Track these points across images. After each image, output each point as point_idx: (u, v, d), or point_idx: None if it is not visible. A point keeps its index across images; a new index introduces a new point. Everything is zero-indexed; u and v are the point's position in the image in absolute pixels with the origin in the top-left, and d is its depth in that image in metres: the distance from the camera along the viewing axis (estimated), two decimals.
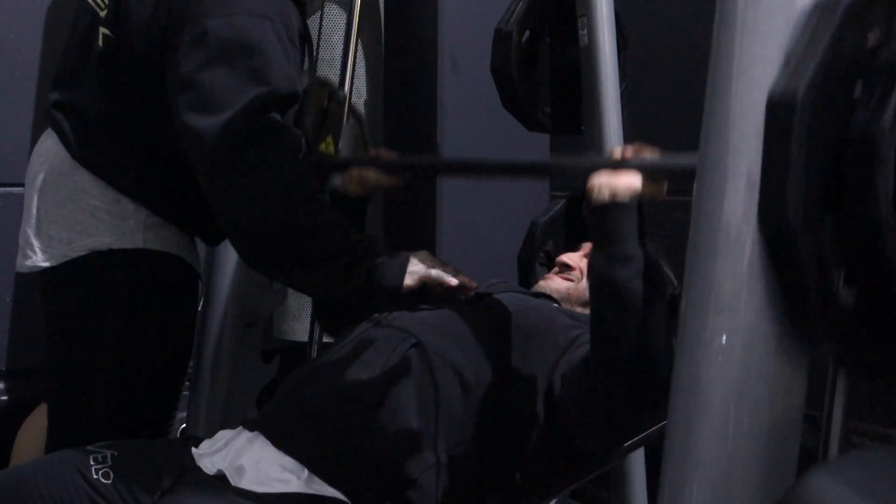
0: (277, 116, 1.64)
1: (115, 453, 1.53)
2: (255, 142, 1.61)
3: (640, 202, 1.45)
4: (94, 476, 1.50)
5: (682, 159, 1.40)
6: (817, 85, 0.94)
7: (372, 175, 1.83)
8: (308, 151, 1.89)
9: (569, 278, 1.79)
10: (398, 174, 1.85)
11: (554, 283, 1.80)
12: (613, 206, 1.43)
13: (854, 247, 0.96)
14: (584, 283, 1.77)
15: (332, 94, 2.12)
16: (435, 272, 1.71)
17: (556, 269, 1.83)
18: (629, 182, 1.44)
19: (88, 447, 1.55)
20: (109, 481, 1.49)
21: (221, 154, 1.61)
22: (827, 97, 0.95)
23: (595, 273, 1.45)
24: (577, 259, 1.82)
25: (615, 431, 1.54)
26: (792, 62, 0.96)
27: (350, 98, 2.16)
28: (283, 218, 1.64)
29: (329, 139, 2.07)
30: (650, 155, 1.49)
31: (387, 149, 1.92)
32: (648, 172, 1.45)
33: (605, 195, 1.44)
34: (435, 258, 1.76)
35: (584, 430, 1.51)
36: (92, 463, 1.51)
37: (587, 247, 1.83)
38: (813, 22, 0.97)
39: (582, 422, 1.50)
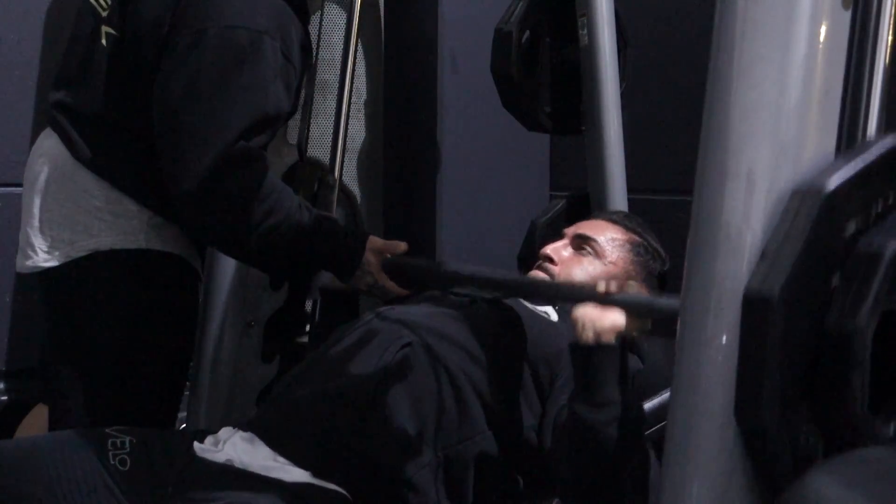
0: (255, 140, 1.65)
1: (134, 440, 1.54)
2: (228, 170, 1.62)
3: (623, 339, 1.44)
4: (112, 461, 1.51)
5: (666, 301, 1.40)
6: (795, 279, 0.93)
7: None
8: (300, 159, 1.91)
9: (550, 272, 1.79)
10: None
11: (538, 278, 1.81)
12: (597, 350, 1.42)
13: (831, 441, 0.96)
14: (565, 277, 1.77)
15: (321, 180, 2.15)
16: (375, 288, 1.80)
17: (538, 261, 1.83)
18: (613, 321, 1.43)
19: (108, 429, 1.56)
20: (125, 468, 1.50)
21: (194, 178, 1.62)
22: (804, 292, 0.95)
23: (573, 412, 1.44)
24: (560, 249, 1.81)
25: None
26: (769, 257, 0.95)
27: (341, 179, 2.17)
28: (262, 238, 1.67)
29: None
30: (635, 290, 1.49)
31: (375, 237, 1.91)
32: (631, 310, 1.44)
33: (589, 336, 1.43)
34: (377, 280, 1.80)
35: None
36: (110, 448, 1.52)
37: (570, 233, 1.83)
38: (792, 210, 0.96)
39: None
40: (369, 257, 1.79)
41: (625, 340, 1.43)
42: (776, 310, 0.93)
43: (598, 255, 1.78)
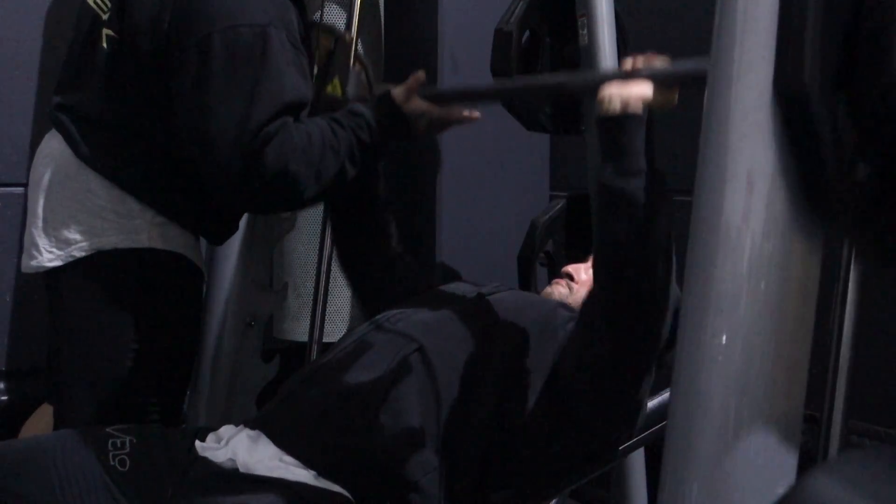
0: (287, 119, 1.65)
1: (134, 440, 1.54)
2: (265, 151, 1.62)
3: (650, 112, 1.44)
4: (111, 462, 1.50)
5: (691, 65, 1.39)
6: None
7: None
8: (316, 97, 1.92)
9: (568, 287, 1.80)
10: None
11: (558, 289, 1.81)
12: (625, 118, 1.43)
13: (870, 117, 0.93)
14: (582, 297, 1.76)
15: (338, 38, 2.13)
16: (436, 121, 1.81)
17: (560, 278, 1.83)
18: (641, 91, 1.44)
19: (109, 428, 1.56)
20: (125, 469, 1.50)
21: (236, 171, 1.63)
22: None
23: (604, 184, 1.44)
24: (583, 270, 1.81)
25: (620, 386, 1.52)
26: None
27: (356, 44, 2.16)
28: (324, 180, 1.69)
29: (336, 81, 2.08)
30: (660, 63, 1.48)
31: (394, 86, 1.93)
32: (659, 81, 1.44)
33: (616, 106, 1.44)
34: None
35: (592, 397, 1.50)
36: (110, 448, 1.52)
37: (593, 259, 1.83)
38: None
39: (590, 387, 1.49)
40: (408, 106, 1.78)
41: (651, 115, 1.43)
42: None
43: None
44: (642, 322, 1.43)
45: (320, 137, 1.69)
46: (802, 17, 0.92)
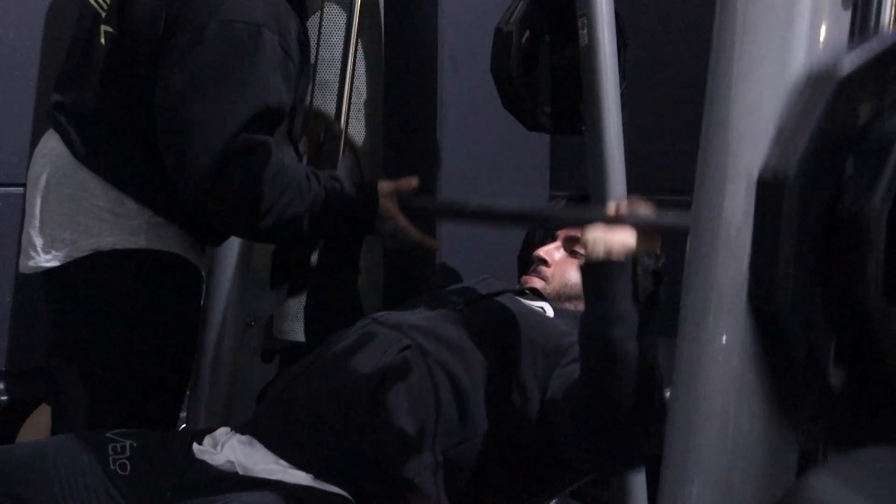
0: (256, 132, 1.65)
1: (134, 444, 1.54)
2: (241, 158, 1.63)
3: (634, 258, 1.44)
4: (112, 466, 1.51)
5: (676, 218, 1.40)
6: (808, 162, 0.92)
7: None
8: (295, 153, 1.92)
9: (543, 276, 1.80)
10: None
11: (532, 283, 1.81)
12: (608, 265, 1.42)
13: (843, 328, 0.95)
14: (556, 281, 1.77)
15: (328, 128, 2.15)
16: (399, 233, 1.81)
17: (533, 265, 1.83)
18: (624, 239, 1.43)
19: (108, 433, 1.56)
20: (126, 473, 1.50)
21: (200, 173, 1.63)
22: (818, 175, 0.94)
23: (588, 330, 1.43)
24: (553, 251, 1.82)
25: (605, 462, 1.53)
26: (783, 138, 0.95)
27: (346, 131, 2.17)
28: (278, 216, 1.68)
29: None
30: (645, 210, 1.49)
31: (385, 181, 1.92)
32: (642, 229, 1.45)
33: (599, 252, 1.43)
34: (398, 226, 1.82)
35: (576, 457, 1.51)
36: (110, 452, 1.52)
37: (562, 234, 1.84)
38: (805, 95, 0.95)
39: (575, 453, 1.50)
40: (385, 203, 1.79)
41: (636, 260, 1.43)
42: (790, 192, 0.92)
43: None
44: (628, 447, 1.43)
45: (294, 175, 1.69)
46: (775, 238, 0.93)
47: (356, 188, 1.79)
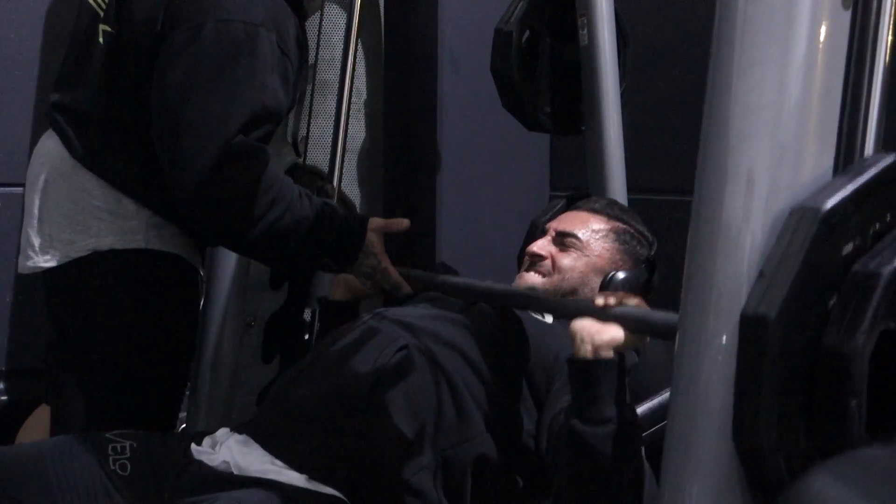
0: (256, 135, 1.64)
1: (134, 444, 1.54)
2: (228, 165, 1.61)
3: (621, 354, 1.42)
4: (112, 467, 1.51)
5: (664, 315, 1.37)
6: (791, 299, 0.93)
7: (357, 282, 1.84)
8: (295, 153, 1.91)
9: (540, 271, 1.77)
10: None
11: (529, 280, 1.77)
12: (595, 364, 1.39)
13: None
14: (556, 276, 1.75)
15: (320, 188, 2.15)
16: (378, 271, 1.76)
17: (526, 261, 1.81)
18: (612, 336, 1.40)
19: (108, 434, 1.56)
20: (125, 473, 1.50)
21: (195, 172, 1.61)
22: (801, 311, 0.94)
23: (569, 426, 1.42)
24: (546, 246, 1.78)
25: None
26: (766, 276, 0.95)
27: (339, 188, 2.16)
28: (265, 230, 1.65)
29: None
30: (633, 303, 1.45)
31: (376, 217, 1.91)
32: (629, 326, 1.41)
33: (587, 349, 1.40)
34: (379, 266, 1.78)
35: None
36: (110, 453, 1.52)
37: (551, 228, 1.81)
38: (789, 230, 0.96)
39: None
40: (372, 237, 1.76)
41: (622, 356, 1.41)
42: (773, 329, 0.93)
43: (581, 249, 1.75)
44: None
45: (286, 189, 1.68)
46: (758, 374, 0.94)
47: (346, 217, 1.76)
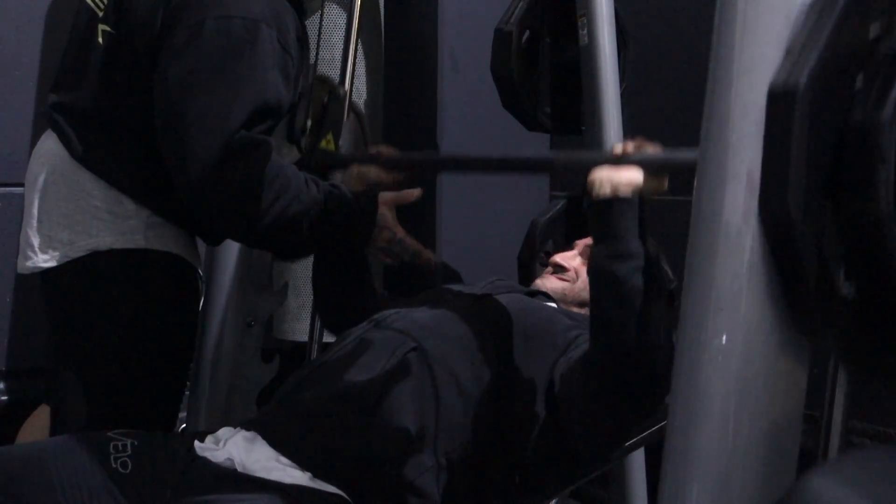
0: (259, 129, 1.64)
1: (135, 443, 1.54)
2: (232, 159, 1.61)
3: (641, 197, 1.43)
4: (113, 465, 1.50)
5: (683, 154, 1.39)
6: (818, 76, 0.94)
7: (372, 171, 1.85)
8: (310, 152, 1.91)
9: (564, 279, 1.80)
10: (398, 170, 1.86)
11: (550, 283, 1.81)
12: (615, 202, 1.42)
13: (854, 239, 0.96)
14: (580, 283, 1.77)
15: (332, 92, 2.12)
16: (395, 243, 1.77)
17: (550, 268, 1.83)
18: (630, 177, 1.43)
19: (110, 433, 1.56)
20: (127, 471, 1.50)
21: (200, 168, 1.61)
22: (828, 89, 0.95)
23: (595, 268, 1.44)
24: (570, 259, 1.81)
25: (615, 431, 1.53)
26: (793, 54, 0.96)
27: (350, 95, 2.16)
28: (274, 221, 1.65)
29: (329, 136, 2.07)
30: (652, 150, 1.47)
31: (387, 145, 1.93)
32: (650, 168, 1.44)
33: (606, 190, 1.42)
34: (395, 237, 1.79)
35: (584, 429, 1.51)
36: (112, 451, 1.52)
37: (581, 245, 1.83)
38: (814, 14, 0.97)
39: (582, 421, 1.50)
40: (383, 211, 1.77)
41: (643, 199, 1.42)
42: (801, 102, 0.93)
43: None
44: (640, 391, 1.43)
45: (292, 177, 1.68)
46: (786, 145, 0.94)
47: (356, 196, 1.77)
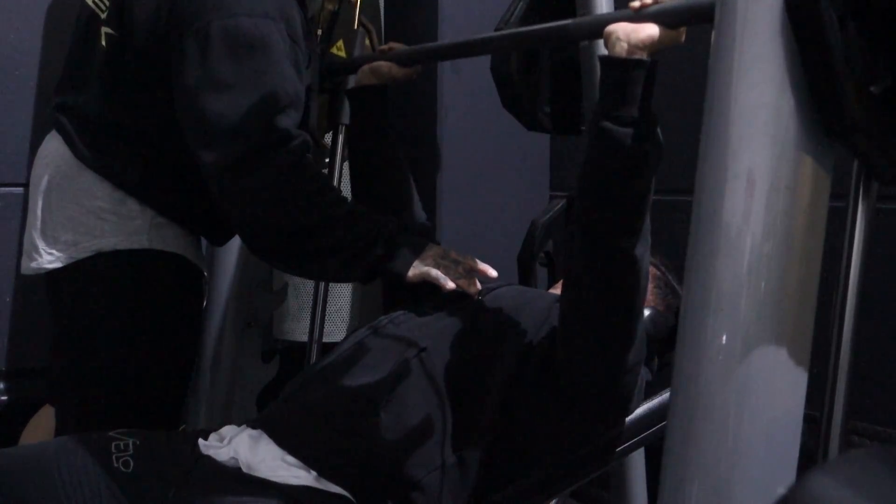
0: (285, 121, 1.64)
1: (137, 442, 1.54)
2: (264, 151, 1.61)
3: (654, 62, 1.40)
4: (115, 464, 1.50)
5: (701, 1, 1.33)
6: None
7: (384, 66, 1.90)
8: (315, 146, 1.90)
9: None
10: (409, 64, 1.92)
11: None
12: (629, 64, 1.38)
13: (882, 39, 0.94)
14: None
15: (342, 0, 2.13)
16: (434, 273, 1.70)
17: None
18: (649, 33, 1.38)
19: (111, 433, 1.56)
20: (129, 470, 1.50)
21: (231, 162, 1.61)
22: None
23: (597, 126, 1.40)
24: None
25: (612, 361, 1.49)
26: None
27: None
28: (295, 218, 1.64)
29: (340, 43, 2.08)
30: (667, 1, 1.42)
31: (396, 42, 1.94)
32: (667, 20, 1.39)
33: (622, 47, 1.38)
34: (449, 254, 1.74)
35: (581, 367, 1.49)
36: (113, 451, 1.52)
37: None
38: None
39: (578, 355, 1.48)
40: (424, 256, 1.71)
41: (655, 62, 1.39)
42: None
43: None
44: (621, 269, 1.42)
45: (324, 180, 1.68)
46: None
47: (401, 233, 1.72)
